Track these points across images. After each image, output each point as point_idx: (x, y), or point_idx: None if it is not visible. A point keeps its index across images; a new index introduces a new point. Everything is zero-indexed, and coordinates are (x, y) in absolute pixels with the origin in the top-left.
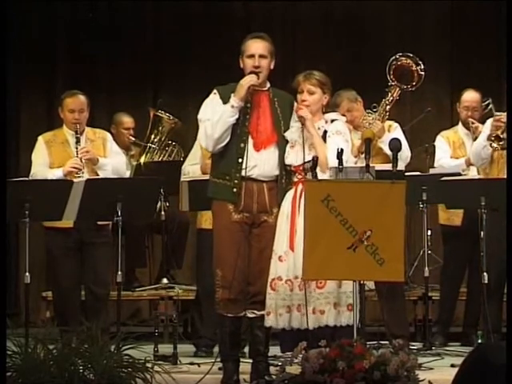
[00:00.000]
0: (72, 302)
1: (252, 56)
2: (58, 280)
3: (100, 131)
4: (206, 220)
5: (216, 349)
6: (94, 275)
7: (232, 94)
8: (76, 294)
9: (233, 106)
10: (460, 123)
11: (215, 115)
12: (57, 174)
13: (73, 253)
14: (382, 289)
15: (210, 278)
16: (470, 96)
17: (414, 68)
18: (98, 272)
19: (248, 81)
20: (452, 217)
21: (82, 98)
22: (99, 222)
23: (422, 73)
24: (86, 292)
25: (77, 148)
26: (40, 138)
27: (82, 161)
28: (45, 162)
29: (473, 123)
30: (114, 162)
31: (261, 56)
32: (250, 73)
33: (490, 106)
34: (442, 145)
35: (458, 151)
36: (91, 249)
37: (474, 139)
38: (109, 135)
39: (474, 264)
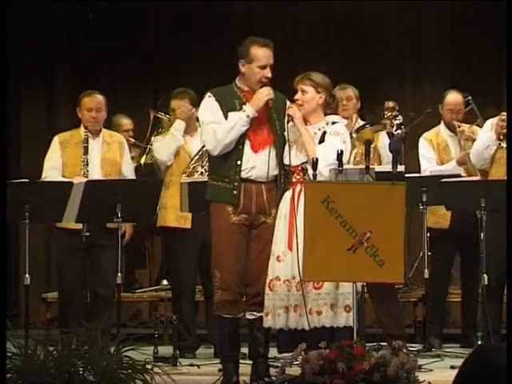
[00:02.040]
0: (76, 303)
1: (264, 67)
2: (63, 280)
3: (117, 135)
4: (172, 220)
5: (202, 351)
6: (99, 277)
7: (248, 104)
8: (81, 296)
9: (248, 116)
10: (442, 124)
11: (229, 122)
12: None
13: (80, 254)
14: (375, 291)
15: (184, 278)
16: (454, 98)
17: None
18: (103, 274)
19: (267, 94)
20: (440, 220)
21: (99, 97)
22: (108, 225)
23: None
24: (91, 293)
25: (84, 160)
26: (55, 138)
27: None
28: (55, 165)
29: (459, 126)
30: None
31: (270, 66)
32: (262, 84)
33: (471, 103)
34: (426, 152)
35: (442, 154)
36: (99, 251)
37: (459, 141)
38: (124, 139)
39: (466, 265)
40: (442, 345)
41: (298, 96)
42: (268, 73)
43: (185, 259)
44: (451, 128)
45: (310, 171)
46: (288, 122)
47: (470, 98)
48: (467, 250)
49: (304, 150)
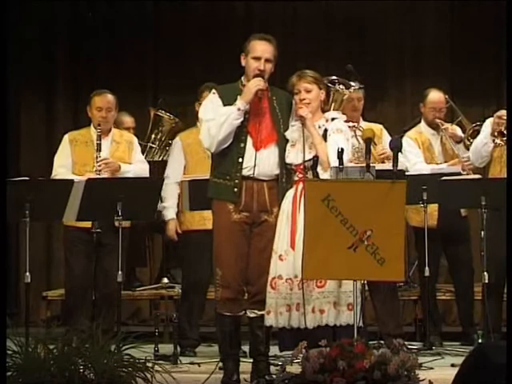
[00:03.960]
0: (82, 301)
1: (258, 58)
2: (71, 278)
3: (127, 134)
4: (199, 221)
5: (202, 349)
6: (106, 275)
7: (238, 97)
8: (87, 294)
9: (239, 109)
10: (423, 123)
11: (221, 117)
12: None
13: (89, 251)
14: (375, 290)
15: (195, 277)
16: (437, 97)
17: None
18: (109, 272)
19: (256, 85)
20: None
21: (109, 96)
22: (117, 224)
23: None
24: (97, 291)
25: (97, 157)
26: (66, 137)
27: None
28: (65, 163)
29: (442, 124)
30: (137, 169)
31: (266, 60)
32: (255, 76)
33: (449, 101)
34: (413, 148)
35: (426, 153)
36: (107, 250)
37: (441, 140)
38: (135, 139)
39: (454, 264)
40: (442, 343)
41: (303, 95)
42: (261, 65)
43: (202, 256)
44: (433, 126)
45: (321, 171)
46: (303, 124)
47: (446, 96)
48: (454, 249)
49: (307, 149)
